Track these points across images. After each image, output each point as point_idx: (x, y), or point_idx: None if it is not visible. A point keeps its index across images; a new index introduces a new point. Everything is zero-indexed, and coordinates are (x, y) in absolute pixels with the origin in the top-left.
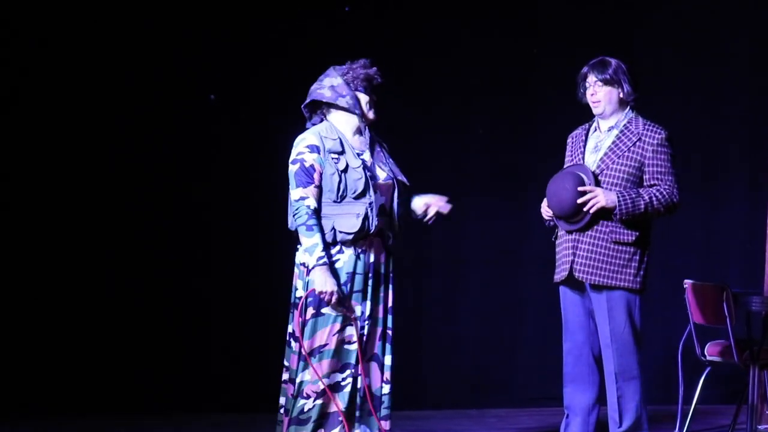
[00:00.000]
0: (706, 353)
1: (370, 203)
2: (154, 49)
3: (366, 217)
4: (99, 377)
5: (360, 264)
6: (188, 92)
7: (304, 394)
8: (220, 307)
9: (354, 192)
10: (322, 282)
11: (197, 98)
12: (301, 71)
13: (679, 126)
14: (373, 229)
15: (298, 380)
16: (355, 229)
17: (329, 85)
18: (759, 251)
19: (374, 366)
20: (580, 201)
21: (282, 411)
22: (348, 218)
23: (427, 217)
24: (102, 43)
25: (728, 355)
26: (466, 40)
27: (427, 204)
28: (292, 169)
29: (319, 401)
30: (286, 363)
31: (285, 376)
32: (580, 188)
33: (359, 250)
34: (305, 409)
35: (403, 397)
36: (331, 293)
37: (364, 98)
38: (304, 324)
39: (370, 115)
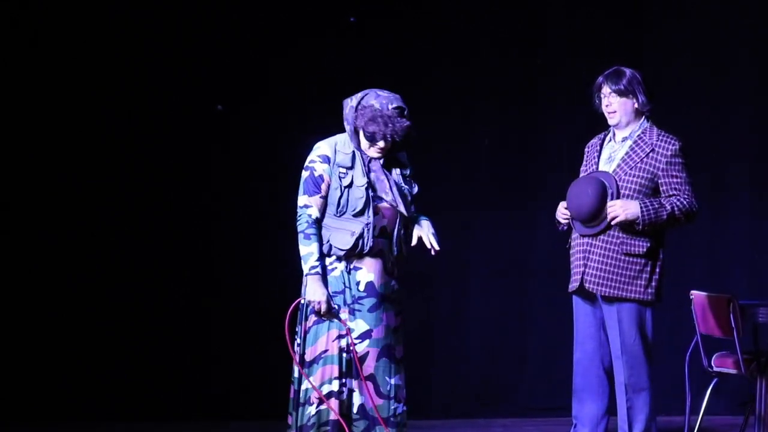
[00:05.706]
0: (713, 364)
1: (368, 224)
2: (161, 57)
3: (361, 236)
4: (103, 386)
5: (350, 280)
6: (193, 99)
7: (310, 401)
8: (227, 314)
9: (353, 209)
10: (312, 291)
11: (202, 105)
12: (307, 81)
13: (685, 135)
14: (366, 249)
15: (303, 388)
16: (348, 246)
17: (349, 105)
18: (766, 262)
19: (369, 385)
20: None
21: (290, 421)
22: (343, 234)
23: (428, 246)
24: (107, 49)
25: (735, 366)
26: (473, 49)
27: (419, 236)
28: (303, 175)
29: (321, 407)
30: (295, 375)
31: (296, 386)
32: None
33: (350, 266)
34: (310, 416)
35: (409, 406)
36: (320, 302)
37: (364, 139)
38: (306, 331)
39: (370, 152)
